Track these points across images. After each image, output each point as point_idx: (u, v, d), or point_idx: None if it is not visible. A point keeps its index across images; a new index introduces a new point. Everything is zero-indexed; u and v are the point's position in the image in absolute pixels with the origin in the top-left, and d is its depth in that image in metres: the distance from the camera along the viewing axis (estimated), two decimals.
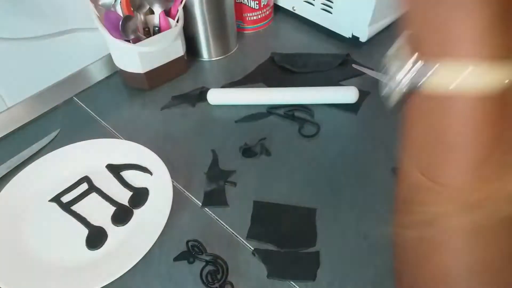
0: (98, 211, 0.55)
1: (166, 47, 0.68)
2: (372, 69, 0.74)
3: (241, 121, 0.67)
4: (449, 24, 0.22)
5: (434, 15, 0.23)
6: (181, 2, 0.69)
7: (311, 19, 0.84)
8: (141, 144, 0.61)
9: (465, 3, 0.21)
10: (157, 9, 0.69)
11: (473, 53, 0.22)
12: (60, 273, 0.49)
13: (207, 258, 0.50)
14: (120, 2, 0.65)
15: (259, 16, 0.84)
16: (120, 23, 0.62)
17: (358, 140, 0.64)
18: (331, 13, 0.79)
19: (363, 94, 0.70)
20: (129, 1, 0.65)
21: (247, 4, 0.81)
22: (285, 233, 0.53)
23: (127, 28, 0.63)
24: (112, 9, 0.67)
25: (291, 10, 0.86)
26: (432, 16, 0.23)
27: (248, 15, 0.83)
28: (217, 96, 0.69)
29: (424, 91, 0.24)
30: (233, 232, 0.53)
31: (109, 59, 0.74)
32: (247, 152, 0.62)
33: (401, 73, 0.25)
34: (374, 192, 0.57)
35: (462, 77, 0.22)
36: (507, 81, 0.22)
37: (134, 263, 0.49)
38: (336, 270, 0.49)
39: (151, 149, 0.61)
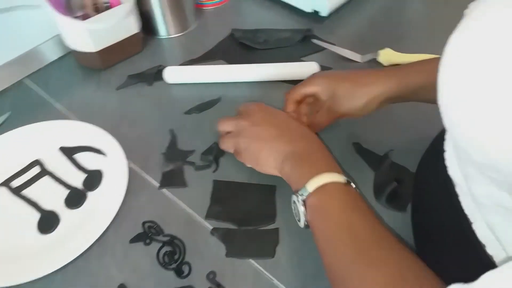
0: (50, 195, 0.53)
1: (118, 24, 0.65)
2: (334, 44, 0.73)
3: (193, 110, 0.64)
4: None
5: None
6: None
7: None
8: (96, 126, 0.59)
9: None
10: None
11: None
12: (12, 259, 0.47)
13: (164, 239, 0.49)
14: None
15: None
16: None
17: None
18: None
19: (324, 69, 0.69)
20: None
21: None
22: (245, 211, 0.52)
23: (73, 4, 0.60)
24: None
25: None
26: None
27: None
28: (174, 74, 0.67)
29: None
30: (192, 212, 0.52)
31: (61, 38, 0.71)
32: None
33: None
34: None
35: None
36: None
37: (88, 246, 0.47)
38: (295, 246, 0.49)
39: (106, 130, 0.58)
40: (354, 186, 0.44)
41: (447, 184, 0.38)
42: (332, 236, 0.40)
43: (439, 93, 0.30)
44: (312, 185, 0.42)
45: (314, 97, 0.54)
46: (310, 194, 0.42)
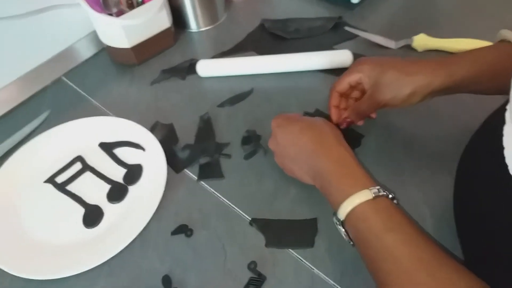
0: (93, 190, 0.54)
1: (151, 19, 0.66)
2: (365, 31, 0.72)
3: (226, 103, 0.65)
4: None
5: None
6: None
7: None
8: (133, 120, 0.61)
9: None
10: None
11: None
12: (58, 252, 0.49)
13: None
14: None
15: None
16: None
17: None
18: None
19: (357, 57, 0.68)
20: None
21: None
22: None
23: (109, 1, 0.61)
24: None
25: None
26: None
27: None
28: (207, 68, 0.67)
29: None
30: (230, 203, 0.53)
31: (95, 35, 0.72)
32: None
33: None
34: (370, 156, 0.56)
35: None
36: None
37: (132, 239, 0.49)
38: (334, 236, 0.49)
39: (142, 125, 0.60)
40: (385, 193, 0.42)
41: (505, 180, 0.36)
42: (374, 262, 0.40)
43: None
44: (343, 211, 0.42)
45: (361, 86, 0.53)
46: (345, 220, 0.43)
